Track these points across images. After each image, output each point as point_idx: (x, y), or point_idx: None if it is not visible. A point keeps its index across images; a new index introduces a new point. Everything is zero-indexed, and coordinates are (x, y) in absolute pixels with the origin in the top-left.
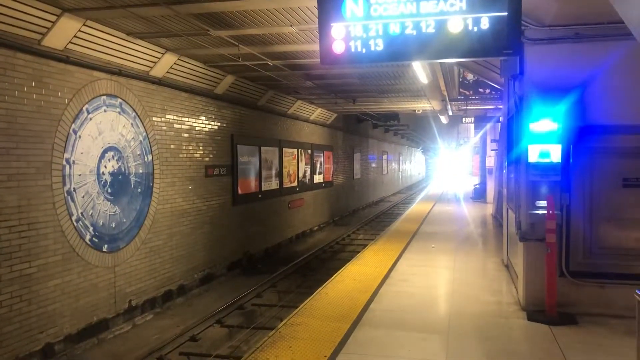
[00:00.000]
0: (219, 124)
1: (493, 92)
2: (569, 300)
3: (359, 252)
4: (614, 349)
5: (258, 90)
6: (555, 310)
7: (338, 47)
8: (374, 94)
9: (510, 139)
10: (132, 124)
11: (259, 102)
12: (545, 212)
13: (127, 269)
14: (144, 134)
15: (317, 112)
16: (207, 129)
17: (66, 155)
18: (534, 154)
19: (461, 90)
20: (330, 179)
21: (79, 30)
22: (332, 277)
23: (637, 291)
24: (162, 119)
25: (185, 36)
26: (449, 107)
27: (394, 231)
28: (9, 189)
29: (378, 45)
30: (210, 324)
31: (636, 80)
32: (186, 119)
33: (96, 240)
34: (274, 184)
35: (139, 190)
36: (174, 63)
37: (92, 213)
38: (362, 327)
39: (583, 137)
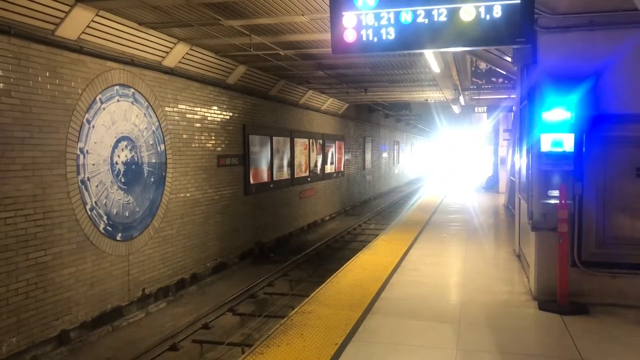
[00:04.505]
0: (230, 114)
1: (506, 82)
2: (580, 290)
3: (370, 241)
4: (625, 339)
5: (270, 80)
6: (567, 300)
7: (349, 36)
8: (386, 83)
9: (522, 128)
10: (144, 114)
11: (271, 92)
12: (557, 201)
13: (141, 257)
14: (157, 123)
15: (328, 102)
16: (219, 119)
17: (80, 145)
18: (546, 143)
19: (474, 79)
20: (342, 169)
21: (92, 21)
22: (343, 266)
23: None
24: (175, 109)
25: (197, 26)
26: (461, 96)
27: (405, 221)
28: (24, 177)
29: (390, 34)
30: (222, 312)
31: None
32: (198, 109)
33: (110, 229)
34: (285, 174)
35: (152, 179)
36: (186, 53)
37: (105, 202)
38: (373, 315)
39: (596, 126)
